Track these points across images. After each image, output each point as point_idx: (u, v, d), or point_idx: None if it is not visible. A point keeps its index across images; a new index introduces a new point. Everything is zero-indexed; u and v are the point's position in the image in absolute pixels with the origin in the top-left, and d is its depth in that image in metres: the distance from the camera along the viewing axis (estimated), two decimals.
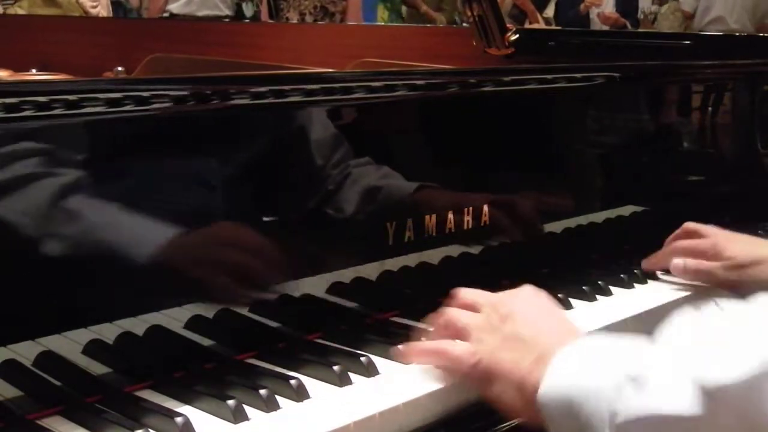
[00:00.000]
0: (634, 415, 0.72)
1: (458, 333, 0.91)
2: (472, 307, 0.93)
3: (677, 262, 1.25)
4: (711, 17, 5.81)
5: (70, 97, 0.82)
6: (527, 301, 0.93)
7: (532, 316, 0.89)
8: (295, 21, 4.36)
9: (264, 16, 4.74)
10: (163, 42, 1.82)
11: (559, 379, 0.79)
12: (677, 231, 1.29)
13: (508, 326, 0.88)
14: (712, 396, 0.69)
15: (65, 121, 0.83)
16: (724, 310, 0.81)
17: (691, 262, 1.24)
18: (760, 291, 1.11)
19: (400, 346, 0.95)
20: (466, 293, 0.96)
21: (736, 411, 0.68)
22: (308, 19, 4.48)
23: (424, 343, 0.94)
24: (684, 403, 0.70)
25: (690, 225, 1.28)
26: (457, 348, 0.89)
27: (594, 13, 6.54)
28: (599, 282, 1.22)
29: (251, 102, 0.97)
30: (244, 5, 5.21)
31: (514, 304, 0.92)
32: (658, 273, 1.30)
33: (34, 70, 1.54)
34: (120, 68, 1.52)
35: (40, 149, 0.83)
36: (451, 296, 0.96)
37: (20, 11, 3.71)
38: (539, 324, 0.88)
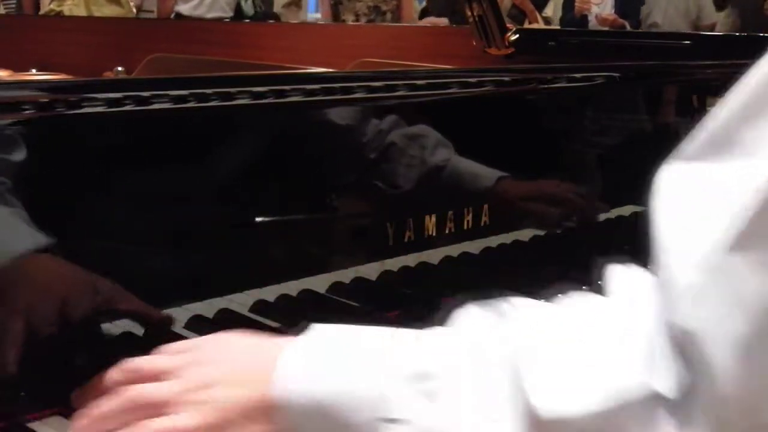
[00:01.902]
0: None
1: (155, 410, 0.69)
2: (152, 378, 0.72)
3: None
4: (649, 22, 5.93)
5: (70, 97, 0.82)
6: (211, 344, 0.75)
7: (227, 351, 0.73)
8: (350, 22, 4.44)
9: (326, 15, 4.79)
10: (163, 42, 1.83)
11: (295, 382, 0.64)
12: None
13: (209, 371, 0.70)
14: (545, 429, 0.56)
15: (65, 121, 0.83)
16: (518, 308, 0.65)
17: None
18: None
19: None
20: (137, 366, 0.74)
21: None
22: (362, 20, 4.54)
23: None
24: (503, 427, 0.56)
25: None
26: (177, 422, 0.68)
27: (592, 14, 6.54)
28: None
29: (251, 102, 0.97)
30: (243, 3, 5.22)
31: (199, 350, 0.74)
32: None
33: (34, 70, 1.54)
34: (120, 68, 1.52)
35: (39, 149, 0.83)
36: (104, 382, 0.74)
37: (77, 9, 3.63)
38: (242, 352, 0.71)
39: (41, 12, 3.97)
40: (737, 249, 0.50)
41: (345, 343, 0.66)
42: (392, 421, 0.58)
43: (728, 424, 0.51)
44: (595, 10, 6.37)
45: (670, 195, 0.57)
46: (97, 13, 3.70)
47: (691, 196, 0.55)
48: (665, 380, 0.54)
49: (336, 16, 4.66)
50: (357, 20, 4.52)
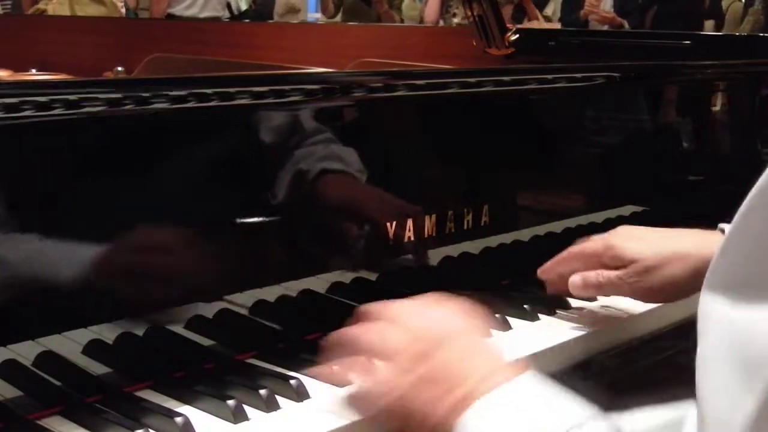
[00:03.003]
0: None
1: (378, 354, 0.80)
2: (392, 325, 0.81)
3: (574, 279, 1.05)
4: None
5: (70, 97, 0.82)
6: (454, 326, 0.82)
7: (458, 349, 0.78)
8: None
9: (432, 16, 4.82)
10: (163, 42, 1.82)
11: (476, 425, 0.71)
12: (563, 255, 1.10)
13: (432, 359, 0.77)
14: None
15: (65, 121, 0.83)
16: None
17: (591, 276, 1.04)
18: (676, 292, 1.00)
19: (328, 368, 0.87)
20: (385, 310, 0.84)
21: None
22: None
23: (352, 360, 0.83)
24: None
25: (578, 250, 1.08)
26: (380, 374, 0.79)
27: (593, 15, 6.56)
28: None
29: (251, 102, 0.97)
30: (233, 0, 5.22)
31: (440, 330, 0.80)
32: None
33: (34, 70, 1.54)
34: (120, 68, 1.52)
35: (40, 149, 0.83)
36: (366, 314, 0.85)
37: (60, 9, 3.64)
38: (464, 360, 0.77)
39: (29, 12, 3.96)
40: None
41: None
42: None
43: None
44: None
45: (715, 347, 0.56)
46: (80, 12, 3.70)
47: (734, 356, 0.54)
48: None
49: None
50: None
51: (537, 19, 5.72)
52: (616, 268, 1.03)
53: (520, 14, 5.58)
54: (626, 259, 1.02)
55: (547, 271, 1.11)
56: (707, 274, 0.56)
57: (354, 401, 0.82)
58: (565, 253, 1.09)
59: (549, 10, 6.49)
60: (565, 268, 1.08)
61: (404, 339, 0.79)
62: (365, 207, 1.08)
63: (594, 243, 1.06)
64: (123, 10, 4.46)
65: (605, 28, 6.07)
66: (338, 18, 5.70)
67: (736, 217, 0.54)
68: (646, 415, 0.70)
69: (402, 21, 5.70)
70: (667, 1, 5.92)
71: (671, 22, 5.72)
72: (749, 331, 0.52)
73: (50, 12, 3.58)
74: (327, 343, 0.84)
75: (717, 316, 0.55)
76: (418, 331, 0.80)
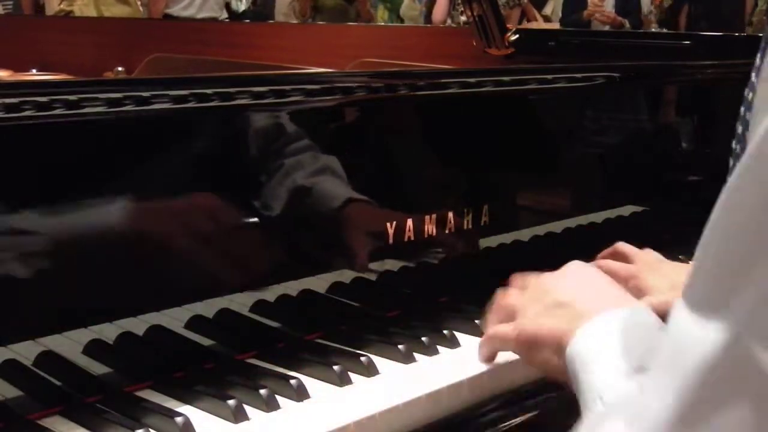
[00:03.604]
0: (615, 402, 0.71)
1: (508, 314, 0.94)
2: (522, 289, 0.96)
3: None
4: None
5: (70, 97, 0.82)
6: (571, 273, 0.95)
7: (573, 285, 0.91)
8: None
9: (440, 15, 4.83)
10: (163, 42, 1.82)
11: (582, 341, 0.80)
12: (607, 249, 1.17)
13: (550, 296, 0.90)
14: None
15: (65, 121, 0.83)
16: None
17: None
18: None
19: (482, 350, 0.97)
20: (519, 277, 0.99)
21: None
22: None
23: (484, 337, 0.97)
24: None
25: (621, 247, 1.16)
26: (500, 328, 0.93)
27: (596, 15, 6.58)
28: None
29: (252, 102, 0.97)
30: (233, 1, 5.22)
31: (556, 277, 0.94)
32: None
33: (34, 70, 1.54)
34: (120, 68, 1.52)
35: (40, 149, 0.83)
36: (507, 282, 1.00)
37: (87, 9, 3.64)
38: (580, 291, 0.89)
39: (51, 13, 3.96)
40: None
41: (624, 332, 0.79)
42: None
43: None
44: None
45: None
46: (106, 13, 3.70)
47: None
48: None
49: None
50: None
51: (535, 19, 5.72)
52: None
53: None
54: (645, 289, 1.06)
55: None
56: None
57: (500, 347, 0.94)
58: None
59: (548, 10, 6.50)
60: None
61: (527, 291, 0.94)
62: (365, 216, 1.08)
63: (626, 268, 1.11)
64: (141, 9, 4.46)
65: (606, 28, 6.09)
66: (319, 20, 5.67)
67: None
68: None
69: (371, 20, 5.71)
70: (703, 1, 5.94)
71: (708, 22, 5.74)
72: None
73: (77, 13, 3.58)
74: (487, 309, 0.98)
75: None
76: (539, 280, 0.95)
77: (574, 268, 0.96)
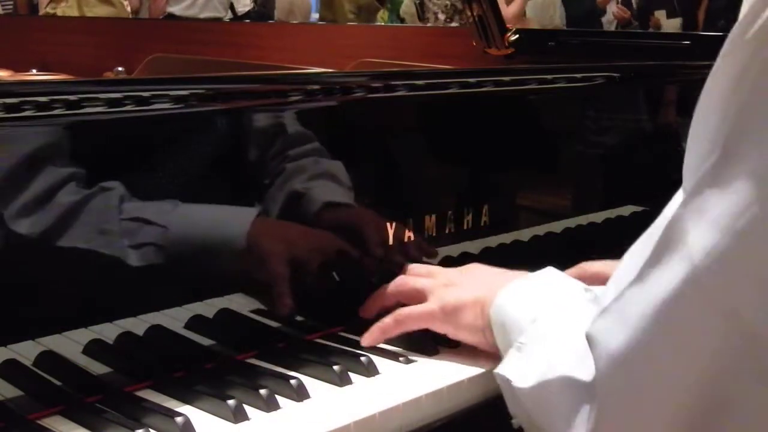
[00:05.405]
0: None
1: (414, 296, 1.01)
2: (425, 276, 1.03)
3: None
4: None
5: (70, 97, 0.82)
6: (472, 267, 1.04)
7: (476, 275, 1.01)
8: (430, 23, 4.56)
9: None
10: (163, 42, 1.82)
11: (503, 300, 0.91)
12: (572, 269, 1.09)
13: (463, 277, 1.01)
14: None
15: (65, 121, 0.83)
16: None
17: None
18: None
19: (365, 336, 1.00)
20: (418, 267, 1.07)
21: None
22: (441, 17, 4.61)
23: (384, 320, 1.00)
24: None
25: (587, 267, 1.11)
26: (416, 308, 0.99)
27: (611, 8, 6.63)
28: None
29: (252, 102, 0.97)
30: (235, 1, 5.22)
31: (459, 270, 1.03)
32: None
33: (34, 70, 1.54)
34: (120, 68, 1.52)
35: (40, 149, 0.83)
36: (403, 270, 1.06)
37: (69, 11, 3.65)
38: (490, 274, 1.00)
39: (42, 13, 3.97)
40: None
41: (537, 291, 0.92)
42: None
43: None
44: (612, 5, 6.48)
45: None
46: (89, 14, 3.71)
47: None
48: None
49: (420, 16, 4.73)
50: (436, 18, 4.72)
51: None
52: None
53: None
54: None
55: None
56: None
57: (408, 316, 0.99)
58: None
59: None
60: None
61: (436, 277, 1.02)
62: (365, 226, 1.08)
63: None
64: (128, 9, 4.46)
65: (614, 26, 6.13)
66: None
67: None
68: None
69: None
70: None
71: (726, 19, 5.71)
72: None
73: (60, 15, 3.59)
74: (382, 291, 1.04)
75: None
76: (446, 270, 1.04)
77: (473, 266, 1.05)
